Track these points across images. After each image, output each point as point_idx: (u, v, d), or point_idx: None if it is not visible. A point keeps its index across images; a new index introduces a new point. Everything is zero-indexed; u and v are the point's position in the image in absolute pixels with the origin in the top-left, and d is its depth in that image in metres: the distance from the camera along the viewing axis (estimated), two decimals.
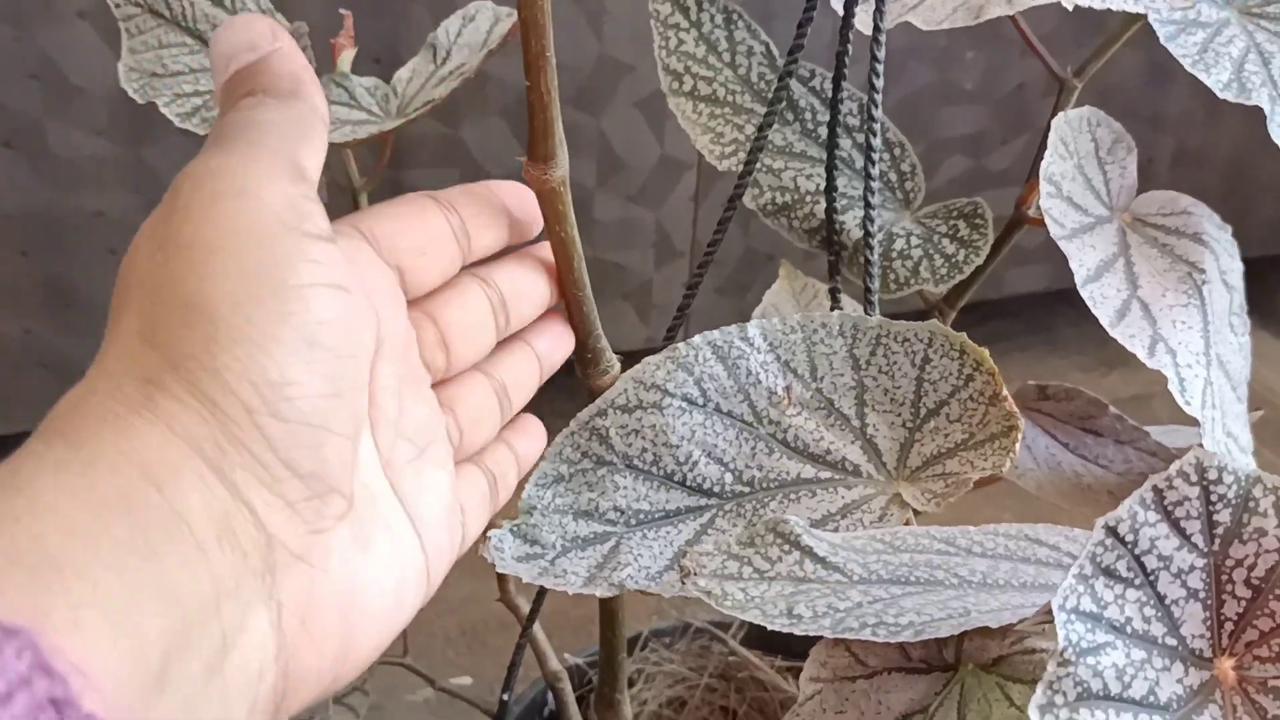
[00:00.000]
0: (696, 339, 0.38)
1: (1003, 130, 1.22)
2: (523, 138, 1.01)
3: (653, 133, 1.08)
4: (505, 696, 0.56)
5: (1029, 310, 1.36)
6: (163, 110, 0.49)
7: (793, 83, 0.49)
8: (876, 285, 0.41)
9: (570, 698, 0.56)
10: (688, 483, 0.38)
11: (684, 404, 0.38)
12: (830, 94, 0.46)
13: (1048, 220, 0.40)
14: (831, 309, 0.48)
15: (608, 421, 0.38)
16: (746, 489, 0.38)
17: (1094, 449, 0.48)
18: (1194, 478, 0.26)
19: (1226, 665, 0.26)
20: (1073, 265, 0.40)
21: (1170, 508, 0.26)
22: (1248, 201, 1.39)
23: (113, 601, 0.21)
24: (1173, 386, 0.38)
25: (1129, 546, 0.26)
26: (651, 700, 0.62)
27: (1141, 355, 0.38)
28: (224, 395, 0.24)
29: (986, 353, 0.37)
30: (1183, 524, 0.26)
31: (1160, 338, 0.39)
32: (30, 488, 0.22)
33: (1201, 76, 0.39)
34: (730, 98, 0.49)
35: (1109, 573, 0.26)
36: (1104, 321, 0.39)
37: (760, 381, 0.38)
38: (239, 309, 0.25)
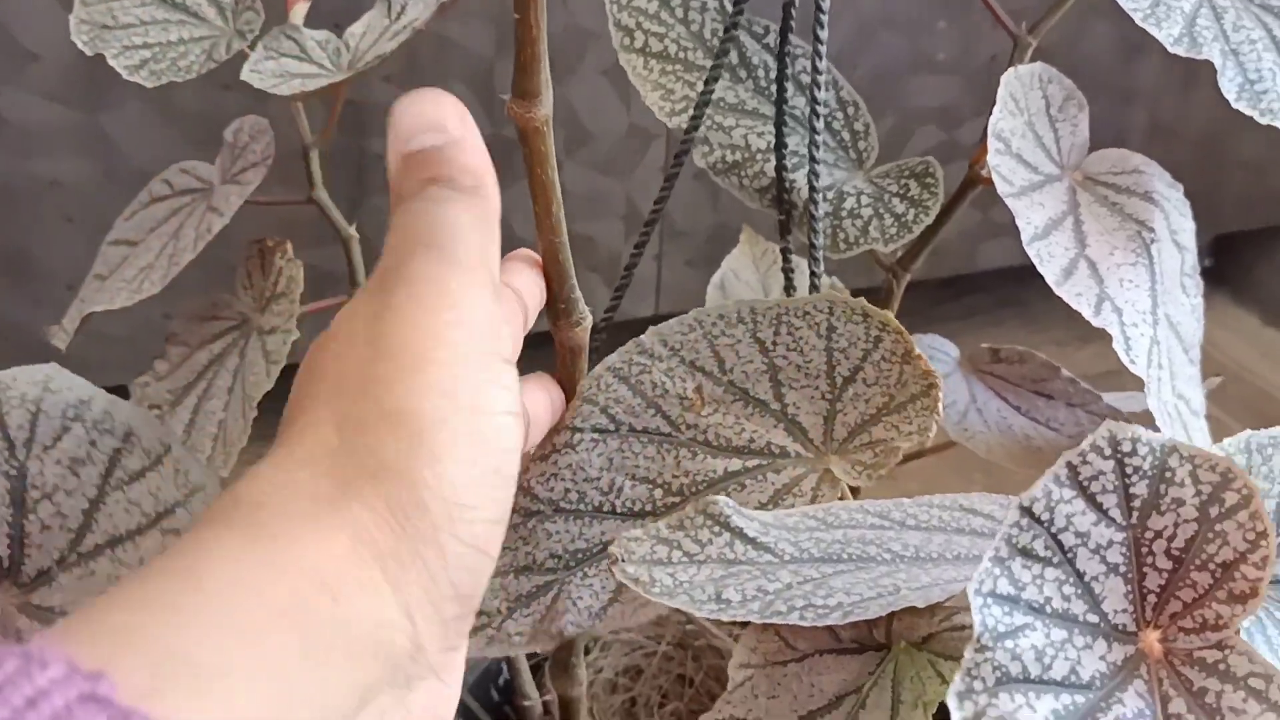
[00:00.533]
0: (596, 368, 0.38)
1: (975, 102, 1.21)
2: (485, 104, 1.00)
3: (620, 102, 1.07)
4: None
5: (1002, 285, 1.35)
6: (111, 62, 0.49)
7: (746, 39, 0.49)
8: (821, 241, 0.40)
9: (524, 665, 0.55)
10: (618, 510, 0.37)
11: (595, 435, 0.37)
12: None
13: (995, 178, 0.39)
14: (783, 269, 0.47)
15: (528, 474, 0.38)
16: (677, 499, 0.37)
17: (1045, 412, 0.47)
18: (1108, 451, 0.26)
19: (1152, 638, 0.26)
20: (1020, 223, 0.39)
21: (1085, 483, 0.26)
22: (1221, 177, 1.39)
23: (268, 709, 0.22)
24: (1117, 345, 0.38)
25: (1045, 525, 0.25)
26: (608, 668, 0.61)
27: (1087, 314, 0.38)
28: (416, 509, 0.25)
29: (891, 314, 0.36)
30: (1099, 499, 0.26)
31: (1106, 296, 0.38)
32: (209, 583, 0.23)
33: (1153, 30, 0.38)
34: (682, 54, 0.48)
35: (1026, 553, 0.25)
36: (1050, 280, 0.38)
37: (668, 391, 0.38)
38: (445, 426, 0.26)
